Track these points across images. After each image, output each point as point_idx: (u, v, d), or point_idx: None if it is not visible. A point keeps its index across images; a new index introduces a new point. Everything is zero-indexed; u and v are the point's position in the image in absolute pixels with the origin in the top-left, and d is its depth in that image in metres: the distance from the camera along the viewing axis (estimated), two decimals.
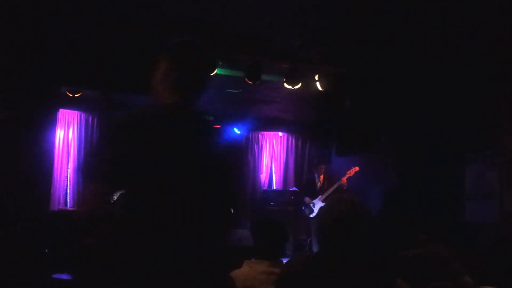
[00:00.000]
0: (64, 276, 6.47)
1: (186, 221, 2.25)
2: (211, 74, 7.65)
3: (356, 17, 6.35)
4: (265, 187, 11.73)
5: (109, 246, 2.20)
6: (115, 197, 8.24)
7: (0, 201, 5.98)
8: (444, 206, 7.49)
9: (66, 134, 9.95)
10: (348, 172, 9.37)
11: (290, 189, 11.20)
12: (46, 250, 6.35)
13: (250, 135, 11.91)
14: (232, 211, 8.17)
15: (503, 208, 6.73)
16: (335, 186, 9.27)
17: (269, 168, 11.98)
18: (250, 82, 7.97)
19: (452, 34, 6.55)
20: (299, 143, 12.09)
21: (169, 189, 2.24)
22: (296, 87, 8.21)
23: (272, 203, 10.61)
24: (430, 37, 6.67)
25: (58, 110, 8.25)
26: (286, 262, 2.97)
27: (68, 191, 9.89)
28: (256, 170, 11.83)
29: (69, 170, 9.94)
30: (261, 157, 11.93)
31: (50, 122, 6.64)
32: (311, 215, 9.40)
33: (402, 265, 3.09)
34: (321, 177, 9.66)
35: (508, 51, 6.69)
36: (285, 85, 8.21)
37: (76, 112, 10.07)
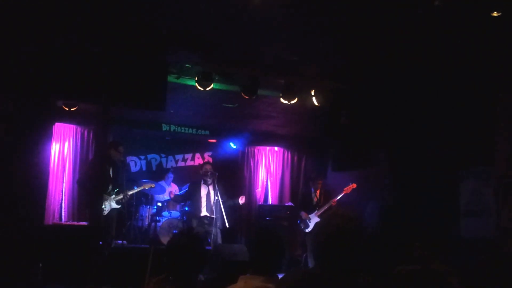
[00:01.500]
0: None
1: None
2: (208, 89, 7.67)
3: (353, 33, 6.39)
4: (261, 202, 11.70)
5: None
6: (106, 212, 8.25)
7: None
8: (440, 222, 7.49)
9: (62, 148, 9.92)
10: (346, 188, 9.37)
11: (286, 204, 11.19)
12: (40, 265, 6.31)
13: (246, 150, 11.91)
14: (227, 226, 8.17)
15: (498, 224, 6.73)
16: (327, 206, 9.26)
17: (265, 183, 11.96)
18: (247, 97, 7.98)
19: (448, 51, 6.59)
20: (295, 158, 12.08)
21: None
22: (292, 102, 8.23)
23: (267, 218, 10.59)
24: (426, 53, 6.70)
25: (54, 124, 8.24)
26: (281, 278, 2.96)
27: (63, 205, 9.84)
28: (252, 185, 11.81)
29: (64, 184, 9.90)
30: (257, 172, 11.92)
31: (45, 136, 6.61)
32: (307, 230, 9.38)
33: (398, 280, 3.08)
34: (318, 192, 9.66)
35: (503, 69, 6.73)
36: (282, 100, 8.23)
37: (72, 126, 10.06)
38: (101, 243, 7.78)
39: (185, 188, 10.78)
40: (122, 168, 8.81)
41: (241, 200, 9.03)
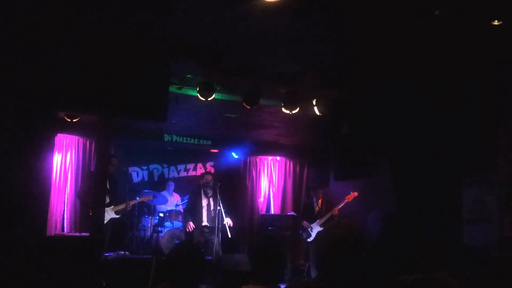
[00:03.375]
0: None
1: None
2: (209, 99, 7.67)
3: (354, 42, 6.40)
4: (263, 211, 11.68)
5: None
6: (104, 222, 8.21)
7: None
8: (442, 230, 7.47)
9: (64, 159, 9.92)
10: (347, 197, 9.37)
11: (288, 213, 11.16)
12: (43, 276, 6.29)
13: (248, 160, 11.90)
14: (230, 236, 8.19)
15: (501, 232, 6.71)
16: (329, 215, 9.27)
17: (267, 193, 11.94)
18: (248, 107, 7.98)
19: (450, 60, 6.60)
20: (297, 168, 12.07)
21: None
22: (294, 112, 8.23)
23: (270, 228, 10.57)
24: (428, 62, 6.71)
25: (56, 135, 8.25)
26: None
27: (65, 216, 9.82)
28: (254, 194, 11.79)
29: (66, 195, 9.90)
30: (259, 181, 11.90)
31: (47, 147, 6.63)
32: (309, 239, 9.37)
33: None
34: (320, 201, 9.66)
35: (504, 76, 6.74)
36: (283, 109, 8.23)
37: (74, 136, 10.06)
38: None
39: (187, 199, 10.79)
40: (123, 179, 8.85)
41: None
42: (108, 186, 8.54)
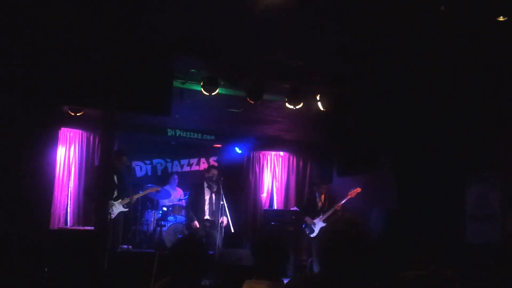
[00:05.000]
0: None
1: None
2: (213, 94, 7.66)
3: (358, 38, 6.38)
4: (266, 206, 11.69)
5: None
6: (113, 216, 8.35)
7: (0, 219, 5.96)
8: (445, 227, 7.47)
9: (68, 153, 9.95)
10: (350, 193, 9.36)
11: (291, 209, 11.17)
12: (46, 269, 6.32)
13: (251, 155, 11.90)
14: (233, 231, 8.21)
15: (504, 229, 6.70)
16: (332, 211, 9.26)
17: (270, 188, 11.94)
18: (252, 102, 7.97)
19: (454, 56, 6.58)
20: (300, 163, 12.07)
21: None
22: (297, 107, 8.22)
23: (273, 223, 10.58)
24: (432, 58, 6.69)
25: (59, 129, 8.26)
26: (286, 283, 2.95)
27: (69, 210, 9.86)
28: (257, 189, 11.80)
29: (70, 188, 9.92)
30: (262, 176, 11.90)
31: (51, 141, 6.63)
32: (312, 235, 9.37)
33: (404, 286, 3.07)
34: (322, 196, 9.66)
35: (507, 73, 6.72)
36: (287, 105, 8.22)
37: (77, 130, 10.08)
38: (108, 247, 7.81)
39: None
40: (128, 173, 8.86)
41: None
42: (116, 180, 8.56)
